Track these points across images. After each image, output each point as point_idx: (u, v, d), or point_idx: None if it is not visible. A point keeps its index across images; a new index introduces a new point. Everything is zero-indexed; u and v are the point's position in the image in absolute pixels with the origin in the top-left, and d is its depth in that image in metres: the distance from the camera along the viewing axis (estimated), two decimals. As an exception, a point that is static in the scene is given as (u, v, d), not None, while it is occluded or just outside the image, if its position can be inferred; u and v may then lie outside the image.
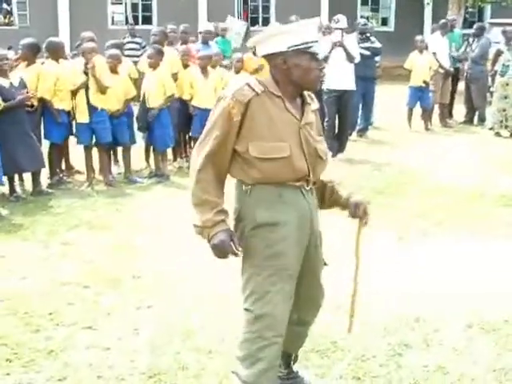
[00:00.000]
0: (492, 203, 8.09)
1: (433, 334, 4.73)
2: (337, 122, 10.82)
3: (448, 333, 4.75)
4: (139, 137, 9.72)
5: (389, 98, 15.03)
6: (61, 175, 9.07)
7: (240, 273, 3.52)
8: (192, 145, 10.24)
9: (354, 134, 12.35)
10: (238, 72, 10.10)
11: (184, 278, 5.73)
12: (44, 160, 8.50)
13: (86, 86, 8.69)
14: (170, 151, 10.07)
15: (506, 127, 12.85)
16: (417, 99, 13.35)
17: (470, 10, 25.75)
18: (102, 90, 8.68)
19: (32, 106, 8.18)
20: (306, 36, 3.34)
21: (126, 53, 12.01)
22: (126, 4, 23.70)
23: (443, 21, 14.48)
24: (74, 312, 5.09)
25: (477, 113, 14.16)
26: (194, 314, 5.02)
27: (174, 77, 9.72)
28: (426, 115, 13.57)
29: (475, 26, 14.73)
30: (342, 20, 10.59)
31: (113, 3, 23.45)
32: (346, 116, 10.86)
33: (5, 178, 8.00)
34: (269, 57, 3.42)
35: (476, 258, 6.25)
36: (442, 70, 13.56)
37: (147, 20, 23.23)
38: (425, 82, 13.17)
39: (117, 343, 4.61)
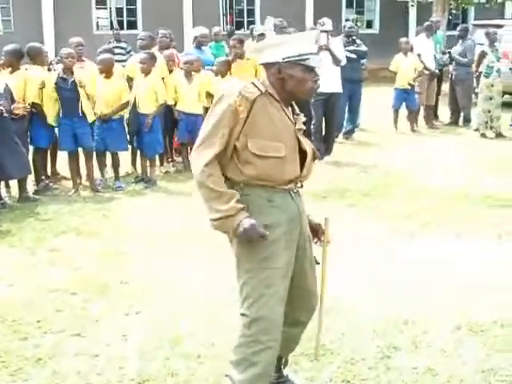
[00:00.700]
0: (478, 204, 8.12)
1: (421, 336, 4.74)
2: (323, 124, 10.84)
3: (437, 334, 4.76)
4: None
5: (374, 100, 15.06)
6: (47, 181, 9.03)
7: (234, 278, 3.53)
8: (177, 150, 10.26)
9: (341, 136, 12.37)
10: (223, 76, 10.07)
11: (172, 283, 5.72)
12: (30, 166, 8.45)
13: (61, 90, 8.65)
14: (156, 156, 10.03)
15: (491, 128, 12.92)
16: (402, 101, 13.40)
17: (454, 11, 25.82)
18: (89, 97, 8.69)
19: (18, 114, 8.12)
20: (302, 48, 3.44)
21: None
22: (110, 9, 23.63)
23: (428, 23, 14.54)
24: (62, 319, 5.07)
25: (462, 114, 14.22)
26: (182, 319, 5.01)
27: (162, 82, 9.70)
28: (412, 117, 13.62)
29: (459, 28, 14.80)
30: (327, 23, 10.61)
31: (97, 8, 23.38)
32: (332, 118, 10.88)
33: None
34: (266, 65, 3.53)
35: (463, 259, 6.27)
36: (427, 72, 13.62)
37: (132, 25, 23.18)
38: (410, 84, 13.22)
39: (105, 350, 4.59)
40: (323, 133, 10.85)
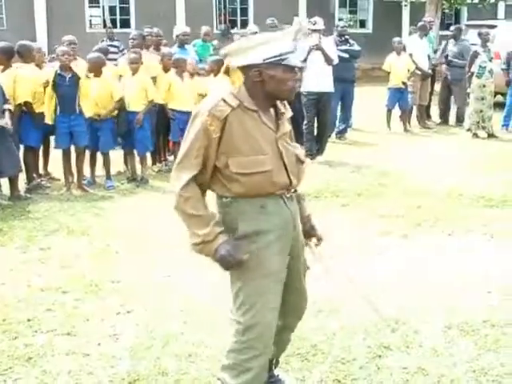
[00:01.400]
0: (471, 204, 8.14)
1: (412, 336, 4.74)
2: (316, 124, 10.83)
3: (428, 334, 4.76)
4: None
5: (367, 100, 15.07)
6: (39, 180, 9.00)
7: (230, 285, 3.50)
8: (170, 148, 10.24)
9: (333, 136, 12.38)
10: (215, 75, 10.07)
11: (164, 282, 5.71)
12: (21, 164, 8.43)
13: (58, 87, 8.62)
14: (148, 155, 10.01)
15: (484, 128, 12.94)
16: (396, 100, 13.42)
17: (447, 12, 25.88)
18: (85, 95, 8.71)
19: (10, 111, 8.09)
20: (281, 47, 3.29)
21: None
22: (103, 7, 23.59)
23: (421, 23, 14.57)
24: (52, 318, 5.05)
25: (453, 113, 14.26)
26: (173, 319, 5.01)
27: (153, 80, 9.68)
28: (405, 116, 13.64)
29: (452, 28, 14.83)
30: (319, 22, 10.58)
31: (90, 6, 23.34)
32: (325, 118, 10.87)
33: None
34: (243, 68, 3.37)
35: (455, 259, 6.28)
36: (419, 72, 13.64)
37: (125, 23, 23.14)
38: (403, 83, 13.24)
39: (96, 349, 4.58)
40: (315, 133, 10.84)
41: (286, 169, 3.40)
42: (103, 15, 23.61)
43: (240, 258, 3.32)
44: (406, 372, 4.26)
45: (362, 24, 27.45)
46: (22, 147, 8.80)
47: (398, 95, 13.36)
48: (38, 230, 7.19)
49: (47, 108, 8.72)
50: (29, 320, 5.00)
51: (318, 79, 10.38)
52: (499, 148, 11.85)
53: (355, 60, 12.86)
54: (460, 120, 14.05)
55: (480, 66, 12.90)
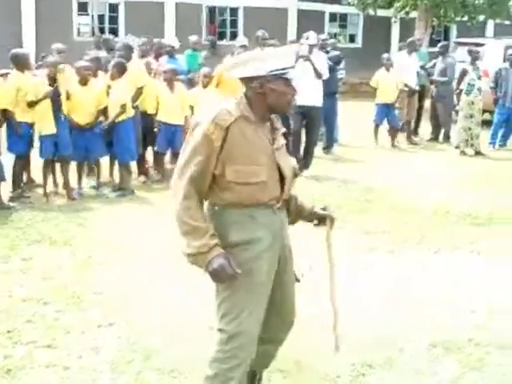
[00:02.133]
0: (458, 221, 8.13)
1: (396, 354, 4.72)
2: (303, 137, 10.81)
3: (412, 352, 4.74)
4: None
5: (355, 115, 15.10)
6: (22, 189, 8.91)
7: (214, 293, 3.48)
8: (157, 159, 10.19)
9: (320, 150, 12.31)
10: (205, 87, 10.06)
11: (147, 295, 5.66)
12: (4, 173, 8.34)
13: (50, 97, 8.57)
14: (134, 165, 9.96)
15: (471, 146, 12.97)
16: (384, 116, 13.42)
17: (437, 29, 26.02)
18: (67, 96, 8.64)
19: None
20: (284, 62, 3.40)
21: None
22: (92, 16, 23.56)
23: (410, 39, 14.61)
24: (33, 330, 4.99)
25: (442, 131, 14.28)
26: (156, 332, 4.95)
27: (139, 91, 9.63)
28: (393, 132, 13.63)
29: (439, 45, 14.85)
30: (311, 37, 10.58)
31: (79, 14, 23.29)
32: (312, 132, 10.83)
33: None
34: (245, 79, 3.44)
35: (441, 276, 6.27)
36: (406, 88, 13.66)
37: (114, 32, 23.08)
38: (391, 100, 13.26)
39: (77, 362, 4.53)
40: (302, 145, 10.80)
41: (279, 180, 3.46)
42: (92, 23, 23.56)
43: (232, 272, 3.32)
44: (389, 391, 4.22)
45: (352, 39, 27.55)
46: (10, 156, 8.72)
47: (386, 111, 13.37)
48: (20, 240, 7.11)
49: (46, 117, 8.63)
50: (9, 331, 4.94)
51: (306, 92, 10.32)
52: (486, 166, 11.88)
53: (339, 71, 12.84)
54: (447, 137, 14.08)
55: (469, 84, 12.93)
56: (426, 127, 14.63)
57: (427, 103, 14.84)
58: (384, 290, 5.85)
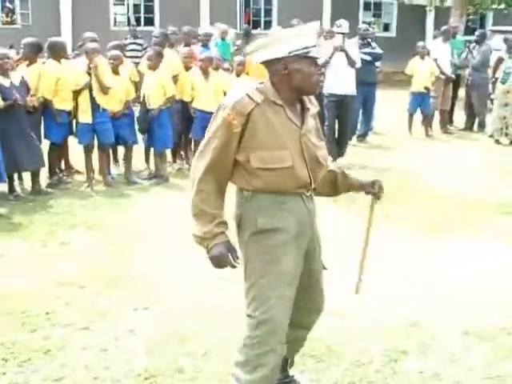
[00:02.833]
0: (492, 211, 8.08)
1: (429, 340, 4.73)
2: (337, 126, 10.82)
3: (444, 339, 4.75)
4: (140, 138, 9.72)
5: (389, 104, 15.03)
6: (60, 175, 9.07)
7: (242, 278, 3.52)
8: (192, 147, 10.24)
9: (355, 138, 12.36)
10: (238, 75, 10.11)
11: (182, 280, 5.73)
12: (44, 159, 8.49)
13: (89, 87, 8.69)
14: (169, 153, 10.06)
15: (506, 135, 12.85)
16: (418, 105, 13.37)
17: (472, 17, 25.76)
18: (104, 90, 8.68)
19: (34, 107, 8.15)
20: (306, 41, 3.33)
21: (128, 54, 12.04)
22: (128, 5, 23.70)
23: (445, 27, 14.50)
24: (70, 312, 5.09)
25: (477, 120, 14.17)
26: (190, 316, 5.02)
27: (175, 79, 9.71)
28: (427, 121, 13.57)
29: (477, 33, 14.74)
30: (343, 25, 10.59)
31: (115, 4, 23.45)
32: (346, 121, 10.84)
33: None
34: (268, 63, 3.39)
35: (474, 265, 6.25)
36: (443, 76, 13.58)
37: (149, 21, 23.23)
38: (426, 87, 13.20)
39: (113, 344, 4.62)
40: (336, 135, 10.83)
41: (307, 166, 3.40)
42: (127, 13, 23.70)
43: (229, 263, 3.39)
44: (421, 376, 4.25)
45: (386, 27, 27.38)
46: (44, 142, 8.86)
47: (420, 100, 13.31)
48: (58, 225, 7.24)
49: (84, 106, 8.75)
50: (47, 313, 5.04)
51: (340, 81, 10.36)
52: (521, 155, 11.78)
53: (377, 63, 12.82)
54: (482, 126, 13.97)
55: (504, 72, 12.81)
56: (460, 116, 14.52)
57: (462, 92, 14.73)
58: (416, 278, 5.85)
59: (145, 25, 22.73)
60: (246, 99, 3.30)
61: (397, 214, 7.79)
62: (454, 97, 14.50)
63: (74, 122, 9.03)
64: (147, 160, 9.84)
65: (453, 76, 13.92)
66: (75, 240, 6.79)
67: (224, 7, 23.10)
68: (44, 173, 8.81)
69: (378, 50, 12.47)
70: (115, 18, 23.49)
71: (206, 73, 9.82)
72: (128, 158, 9.35)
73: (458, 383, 4.19)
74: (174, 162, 10.24)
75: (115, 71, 9.01)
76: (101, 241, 6.79)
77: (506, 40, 13.15)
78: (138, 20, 22.70)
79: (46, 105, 8.65)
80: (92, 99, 8.70)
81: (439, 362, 4.45)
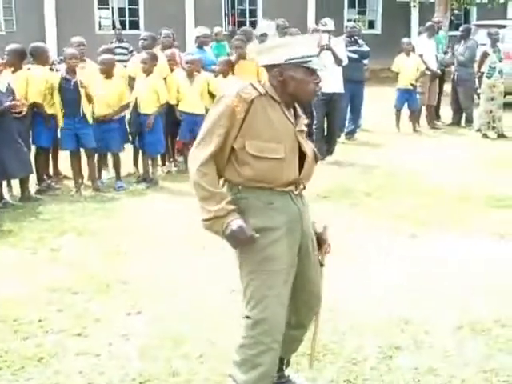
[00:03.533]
0: (480, 204, 8.11)
1: (423, 336, 4.74)
2: (325, 124, 10.83)
3: (438, 334, 4.76)
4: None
5: (376, 101, 15.06)
6: (49, 181, 9.03)
7: (237, 279, 3.54)
8: (179, 149, 10.23)
9: (343, 136, 12.38)
10: (224, 76, 10.08)
11: (174, 283, 5.72)
12: (32, 166, 8.45)
13: (64, 91, 8.65)
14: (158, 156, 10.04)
15: (493, 128, 12.91)
16: (404, 101, 13.40)
17: (456, 12, 25.82)
18: (89, 99, 8.67)
19: (20, 112, 8.11)
20: (304, 50, 3.43)
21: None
22: (112, 9, 23.64)
23: (430, 23, 14.56)
24: (63, 318, 5.07)
25: (464, 114, 14.22)
26: (183, 319, 5.01)
27: (164, 82, 9.69)
28: (414, 117, 13.62)
29: (461, 28, 14.79)
30: (329, 23, 10.62)
31: (100, 8, 23.38)
32: (334, 119, 10.88)
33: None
34: (268, 67, 3.51)
35: (465, 259, 6.27)
36: (428, 72, 13.62)
37: (134, 25, 23.18)
38: (412, 84, 13.23)
39: (107, 349, 4.60)
40: (325, 133, 10.84)
41: (297, 162, 3.48)
42: (112, 17, 23.65)
43: (251, 234, 3.35)
44: (416, 372, 4.25)
45: (371, 25, 27.43)
46: (33, 148, 8.83)
47: (407, 96, 13.35)
48: (48, 231, 7.21)
49: (59, 111, 8.72)
50: (40, 320, 5.01)
51: (327, 80, 10.34)
52: (509, 148, 11.82)
53: (364, 61, 12.85)
54: (469, 120, 14.02)
55: (490, 67, 12.86)
56: (446, 111, 14.57)
57: (448, 88, 14.78)
58: (408, 273, 5.87)
59: (130, 28, 22.67)
60: (249, 87, 3.43)
61: (386, 210, 7.81)
62: (440, 92, 14.55)
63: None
64: (136, 164, 9.82)
65: (439, 71, 13.97)
66: (66, 246, 6.76)
67: (209, 9, 23.07)
68: (33, 179, 8.76)
69: (365, 48, 12.50)
70: (100, 22, 23.41)
71: (190, 76, 9.79)
72: (116, 164, 9.29)
73: (453, 378, 4.19)
74: (163, 164, 10.22)
75: (106, 75, 8.98)
76: (91, 246, 6.76)
77: (489, 34, 13.19)
78: (122, 24, 22.64)
79: (36, 109, 8.60)
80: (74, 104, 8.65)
81: (434, 357, 4.46)
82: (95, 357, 4.50)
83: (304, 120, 3.65)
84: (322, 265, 3.76)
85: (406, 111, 13.64)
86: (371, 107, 14.01)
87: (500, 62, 12.95)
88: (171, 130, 10.10)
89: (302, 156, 3.53)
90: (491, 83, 12.84)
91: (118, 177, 9.25)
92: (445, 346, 4.60)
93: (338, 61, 10.49)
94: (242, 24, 24.42)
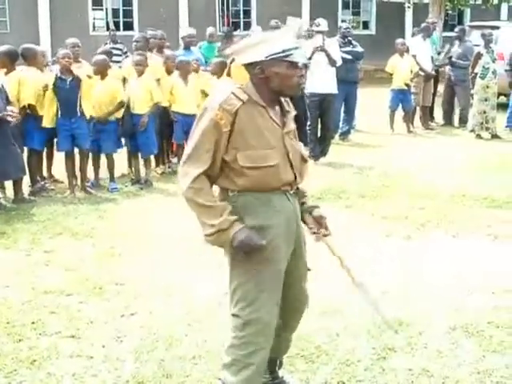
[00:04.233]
0: (474, 205, 8.13)
1: (417, 337, 4.73)
2: (319, 125, 10.83)
3: (432, 335, 4.75)
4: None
5: (370, 101, 15.07)
6: (43, 182, 9.00)
7: (228, 279, 3.52)
8: (174, 151, 10.23)
9: (337, 137, 12.38)
10: (218, 77, 10.08)
11: (167, 285, 5.70)
12: (25, 167, 8.42)
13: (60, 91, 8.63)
14: (152, 157, 10.02)
15: (487, 129, 12.94)
16: (398, 102, 13.41)
17: (450, 13, 25.86)
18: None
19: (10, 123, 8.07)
20: (284, 44, 3.34)
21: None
22: (106, 10, 23.62)
23: (424, 24, 14.57)
24: (56, 321, 5.05)
25: (456, 115, 14.25)
26: (177, 321, 5.00)
27: (157, 83, 9.67)
28: (408, 117, 13.63)
29: (457, 29, 14.82)
30: (322, 24, 10.62)
31: (94, 9, 23.36)
32: (328, 120, 10.87)
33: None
34: (248, 66, 3.42)
35: (459, 260, 6.27)
36: (422, 73, 13.63)
37: (128, 26, 23.16)
38: (406, 84, 13.24)
39: (100, 351, 4.58)
40: (319, 134, 10.84)
41: (291, 165, 3.45)
42: (106, 18, 23.63)
43: (261, 242, 3.33)
44: (410, 373, 4.25)
45: (365, 25, 27.45)
46: (25, 150, 8.80)
47: (401, 96, 13.36)
48: (41, 233, 7.19)
49: (47, 111, 8.70)
50: (33, 323, 4.99)
51: (321, 81, 10.39)
52: (503, 149, 11.85)
53: (358, 61, 12.86)
54: (463, 121, 14.04)
55: (483, 67, 12.89)
56: (440, 112, 14.59)
57: (441, 88, 14.80)
58: (402, 274, 5.87)
59: (124, 29, 22.65)
60: (232, 98, 3.34)
61: (380, 211, 7.81)
62: (435, 93, 14.57)
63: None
64: (130, 165, 9.80)
65: (433, 72, 13.99)
66: (59, 247, 6.74)
67: (203, 10, 23.08)
68: (26, 180, 8.73)
69: (359, 49, 12.51)
70: (94, 23, 23.40)
71: (184, 76, 9.79)
72: (110, 166, 9.27)
73: (447, 379, 4.19)
74: (157, 166, 10.21)
75: (101, 76, 8.97)
76: (85, 248, 6.74)
77: (483, 35, 13.22)
78: (116, 25, 22.63)
79: (27, 112, 8.57)
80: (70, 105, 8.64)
81: (427, 358, 4.45)
82: (88, 359, 4.49)
83: (292, 115, 3.57)
84: (308, 269, 3.75)
85: (400, 112, 13.65)
86: (365, 108, 14.02)
87: (493, 62, 12.98)
88: (165, 132, 10.09)
89: (296, 157, 3.52)
90: (485, 84, 12.87)
91: (111, 178, 9.22)
92: (438, 347, 4.60)
93: (332, 62, 10.50)
94: (236, 25, 24.46)
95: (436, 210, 7.90)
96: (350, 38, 12.43)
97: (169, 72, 9.98)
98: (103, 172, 9.38)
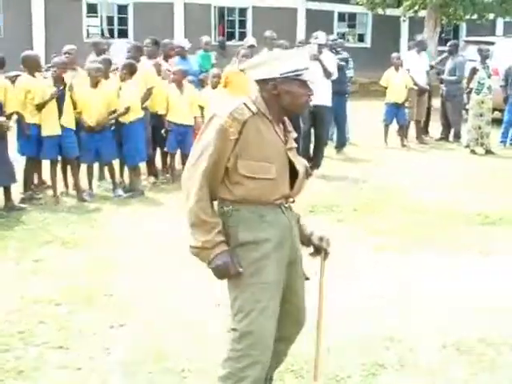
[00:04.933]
0: (467, 221, 8.10)
1: (407, 354, 4.71)
2: (312, 137, 10.81)
3: (423, 353, 4.73)
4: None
5: (365, 114, 15.08)
6: (30, 192, 8.91)
7: (221, 292, 3.54)
8: (167, 160, 10.18)
9: (331, 149, 12.30)
10: (214, 87, 10.08)
11: (157, 296, 5.67)
12: (15, 175, 8.36)
13: (56, 99, 8.59)
14: (144, 166, 9.98)
15: (482, 145, 12.94)
16: (393, 116, 13.40)
17: (446, 27, 25.93)
18: (73, 105, 8.65)
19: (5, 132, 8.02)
20: (298, 63, 3.46)
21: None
22: (101, 17, 23.59)
23: (419, 39, 14.58)
24: (45, 331, 5.01)
25: (452, 130, 14.25)
26: (167, 333, 4.96)
27: (149, 91, 9.64)
28: (402, 132, 13.62)
29: (449, 44, 14.81)
30: (320, 36, 10.63)
31: (88, 16, 23.32)
32: (321, 132, 10.86)
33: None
34: (260, 82, 3.50)
35: (451, 276, 6.25)
36: (416, 87, 13.62)
37: (123, 33, 23.13)
38: (400, 100, 13.23)
39: (88, 363, 4.54)
40: (311, 145, 10.81)
41: (288, 179, 3.51)
42: (101, 25, 23.60)
43: (236, 271, 3.37)
44: (400, 391, 4.22)
45: (361, 38, 27.52)
46: (18, 157, 8.75)
47: (395, 110, 13.35)
48: (31, 241, 7.13)
49: (51, 118, 8.63)
50: (20, 332, 4.95)
51: (315, 92, 10.32)
52: (497, 165, 11.85)
53: (350, 72, 12.85)
54: (457, 136, 14.05)
55: (479, 83, 12.90)
56: (435, 127, 14.59)
57: (436, 103, 14.81)
58: (393, 290, 5.84)
59: (118, 37, 22.60)
60: (243, 107, 3.41)
61: (373, 226, 7.78)
62: (429, 107, 14.57)
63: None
64: (121, 174, 9.74)
65: (427, 87, 13.98)
66: (49, 256, 6.69)
67: (198, 19, 23.07)
68: (17, 188, 8.66)
69: (345, 55, 12.51)
70: (88, 30, 23.35)
71: (179, 86, 9.77)
72: (111, 173, 9.24)
73: (438, 397, 4.17)
74: (149, 175, 10.16)
75: (93, 84, 8.94)
76: (75, 257, 6.70)
77: (480, 50, 13.23)
78: (111, 32, 22.59)
79: (18, 119, 8.52)
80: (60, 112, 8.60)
81: (418, 375, 4.43)
82: (76, 370, 4.45)
83: (293, 135, 3.66)
84: (306, 278, 3.74)
85: (394, 126, 13.64)
86: (359, 121, 14.02)
87: (489, 78, 12.99)
88: (158, 141, 10.05)
89: (293, 172, 3.54)
90: (480, 99, 12.88)
91: (114, 185, 9.19)
92: (429, 364, 4.58)
93: (328, 73, 10.49)
94: (231, 35, 24.48)
95: (429, 225, 7.88)
96: (338, 50, 12.41)
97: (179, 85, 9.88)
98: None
